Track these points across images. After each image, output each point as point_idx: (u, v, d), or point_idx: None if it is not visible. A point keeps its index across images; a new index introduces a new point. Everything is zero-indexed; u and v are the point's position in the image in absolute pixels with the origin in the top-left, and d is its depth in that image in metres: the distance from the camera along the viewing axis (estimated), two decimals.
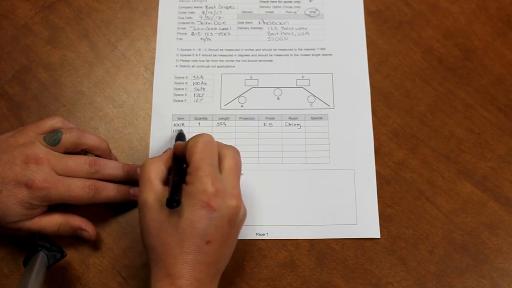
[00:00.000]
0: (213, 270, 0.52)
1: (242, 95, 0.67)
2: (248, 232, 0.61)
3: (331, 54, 0.69)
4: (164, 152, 0.58)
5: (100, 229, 0.62)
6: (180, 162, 0.56)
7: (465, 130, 0.66)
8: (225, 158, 0.55)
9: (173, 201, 0.51)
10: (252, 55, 0.69)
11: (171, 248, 0.51)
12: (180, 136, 0.62)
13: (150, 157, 0.64)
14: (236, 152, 0.56)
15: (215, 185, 0.51)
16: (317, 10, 0.71)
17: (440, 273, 0.60)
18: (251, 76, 0.68)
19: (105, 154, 0.62)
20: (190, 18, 0.71)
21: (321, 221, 0.62)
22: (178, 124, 0.66)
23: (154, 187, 0.53)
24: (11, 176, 0.56)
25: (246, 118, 0.66)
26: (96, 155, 0.61)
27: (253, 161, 0.64)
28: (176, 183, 0.53)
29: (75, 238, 0.60)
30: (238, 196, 0.53)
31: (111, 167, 0.61)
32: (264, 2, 0.72)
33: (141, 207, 0.53)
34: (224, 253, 0.53)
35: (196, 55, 0.69)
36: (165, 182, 0.55)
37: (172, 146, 0.58)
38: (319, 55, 0.69)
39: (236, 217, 0.53)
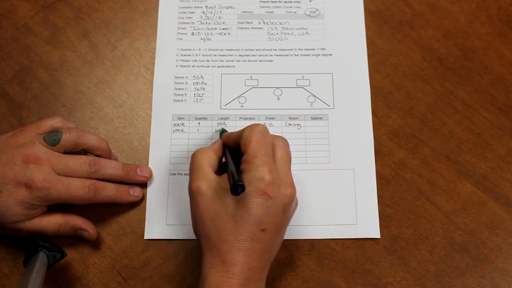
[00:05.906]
0: (265, 259, 0.53)
1: (242, 95, 0.67)
2: None
3: (331, 54, 0.69)
4: (213, 143, 0.58)
5: (100, 229, 0.62)
6: (231, 152, 0.56)
7: (465, 130, 0.66)
8: (276, 148, 0.55)
9: (239, 187, 0.50)
10: (252, 55, 0.69)
11: (226, 235, 0.51)
12: (224, 132, 0.62)
13: (150, 156, 0.64)
14: (286, 142, 0.56)
15: (272, 174, 0.52)
16: (317, 10, 0.71)
17: (440, 273, 0.60)
18: (251, 76, 0.68)
19: (105, 154, 0.62)
20: (190, 18, 0.71)
21: (321, 221, 0.62)
22: (178, 124, 0.66)
23: (206, 175, 0.53)
24: (11, 176, 0.56)
25: (246, 118, 0.66)
26: (96, 155, 0.61)
27: None
28: (235, 170, 0.52)
29: (75, 238, 0.60)
30: (292, 184, 0.53)
31: (111, 167, 0.61)
32: (264, 2, 0.72)
33: (193, 195, 0.53)
34: (276, 242, 0.54)
35: (196, 55, 0.69)
36: (216, 172, 0.55)
37: (213, 142, 0.59)
38: (319, 55, 0.69)
39: (290, 206, 0.53)
